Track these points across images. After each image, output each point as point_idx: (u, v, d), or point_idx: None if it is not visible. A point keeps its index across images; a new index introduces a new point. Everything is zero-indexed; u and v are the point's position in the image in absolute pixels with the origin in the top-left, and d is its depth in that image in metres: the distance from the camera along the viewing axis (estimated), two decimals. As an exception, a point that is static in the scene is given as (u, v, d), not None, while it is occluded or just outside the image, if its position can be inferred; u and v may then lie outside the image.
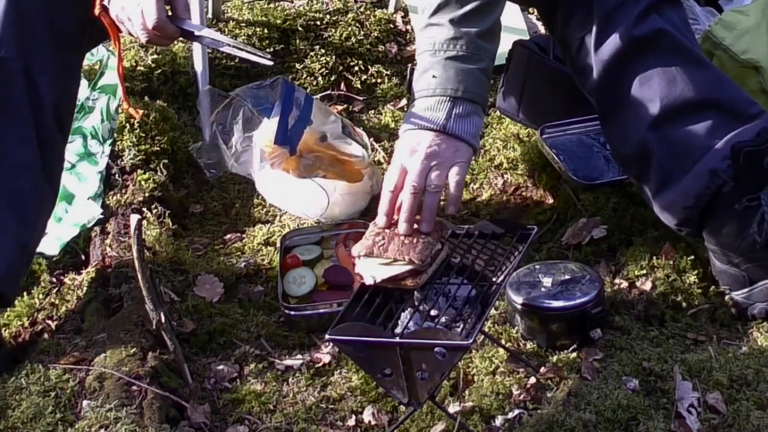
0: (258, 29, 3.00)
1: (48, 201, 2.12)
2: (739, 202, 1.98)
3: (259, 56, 1.97)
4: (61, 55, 2.08)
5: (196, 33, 1.98)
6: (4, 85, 2.01)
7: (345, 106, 2.90)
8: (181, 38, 2.01)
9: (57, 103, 2.08)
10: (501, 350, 1.98)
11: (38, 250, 2.17)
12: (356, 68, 2.97)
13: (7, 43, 2.00)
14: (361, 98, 2.93)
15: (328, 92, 2.91)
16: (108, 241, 2.33)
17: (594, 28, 2.05)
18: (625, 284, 2.14)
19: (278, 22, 3.03)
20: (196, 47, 2.74)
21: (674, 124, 2.03)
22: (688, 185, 2.00)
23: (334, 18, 3.07)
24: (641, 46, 2.03)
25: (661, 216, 2.09)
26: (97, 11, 2.00)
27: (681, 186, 2.02)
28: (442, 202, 1.91)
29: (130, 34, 1.99)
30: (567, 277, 2.02)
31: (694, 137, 2.01)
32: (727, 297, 2.10)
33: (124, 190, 2.49)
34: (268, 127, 2.47)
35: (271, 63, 1.99)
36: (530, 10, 3.06)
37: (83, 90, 2.63)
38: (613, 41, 2.04)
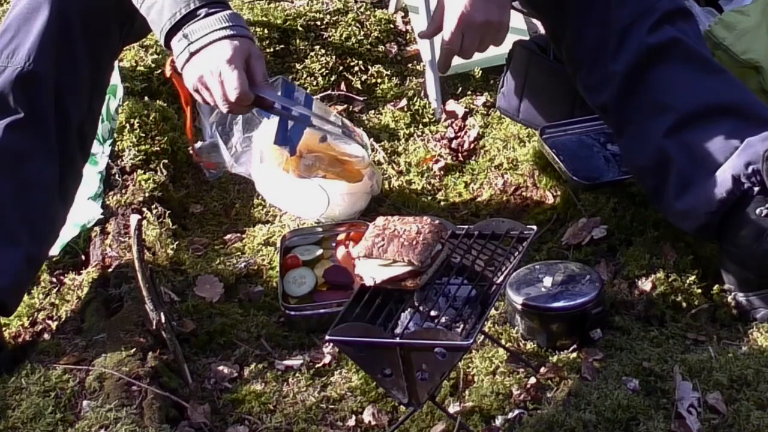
0: (258, 29, 3.00)
1: (60, 217, 2.14)
2: (761, 208, 1.98)
3: (332, 123, 1.94)
4: (92, 75, 2.08)
5: (277, 104, 1.98)
6: (35, 100, 2.02)
7: (345, 106, 2.90)
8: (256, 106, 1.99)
9: (82, 122, 2.09)
10: (501, 350, 1.98)
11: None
12: (356, 68, 2.97)
13: (44, 59, 2.00)
14: (361, 98, 2.92)
15: (328, 92, 2.91)
16: (108, 242, 2.33)
17: (609, 45, 2.06)
18: (625, 284, 2.14)
19: (278, 22, 3.03)
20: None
21: (692, 130, 2.03)
22: (711, 190, 2.00)
23: (334, 18, 3.07)
24: (655, 55, 2.04)
25: (681, 222, 2.08)
26: (168, 73, 1.98)
27: (703, 191, 2.01)
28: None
29: (205, 101, 1.96)
30: (567, 277, 2.02)
31: (714, 142, 2.01)
32: (730, 297, 2.09)
33: (124, 190, 2.49)
34: (268, 127, 2.47)
35: (339, 131, 1.98)
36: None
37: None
38: (628, 53, 2.05)
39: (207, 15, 1.91)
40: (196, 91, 1.94)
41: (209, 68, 1.90)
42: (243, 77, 1.90)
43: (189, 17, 1.91)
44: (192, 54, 1.91)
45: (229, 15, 1.92)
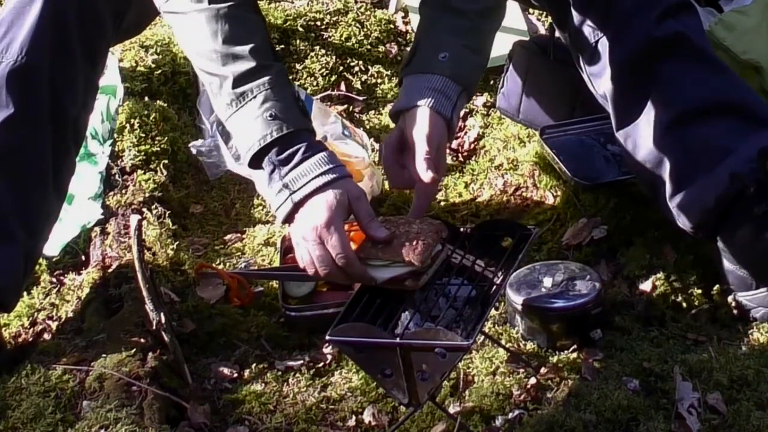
0: (258, 29, 3.00)
1: (55, 212, 2.13)
2: (758, 206, 1.97)
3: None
4: (86, 68, 2.07)
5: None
6: (30, 93, 2.00)
7: (345, 106, 2.90)
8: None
9: (76, 117, 2.08)
10: (501, 351, 1.98)
11: (37, 251, 2.17)
12: (356, 69, 2.97)
13: (40, 51, 1.98)
14: (361, 99, 2.92)
15: (328, 92, 2.91)
16: (108, 242, 2.33)
17: (611, 31, 2.05)
18: (625, 284, 2.15)
19: (278, 22, 3.03)
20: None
21: (693, 126, 2.02)
22: (708, 187, 1.99)
23: (334, 18, 3.07)
24: (660, 48, 2.03)
25: (677, 219, 2.07)
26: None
27: (699, 188, 2.00)
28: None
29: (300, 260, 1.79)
30: (567, 277, 2.02)
31: (714, 140, 2.01)
32: (730, 297, 2.09)
33: (124, 191, 2.49)
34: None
35: None
36: (530, 10, 3.06)
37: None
38: (632, 43, 2.04)
39: (303, 160, 1.75)
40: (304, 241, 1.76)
41: (316, 224, 1.73)
42: (346, 241, 1.74)
43: (285, 162, 1.75)
44: (296, 204, 1.75)
45: (327, 156, 1.76)
